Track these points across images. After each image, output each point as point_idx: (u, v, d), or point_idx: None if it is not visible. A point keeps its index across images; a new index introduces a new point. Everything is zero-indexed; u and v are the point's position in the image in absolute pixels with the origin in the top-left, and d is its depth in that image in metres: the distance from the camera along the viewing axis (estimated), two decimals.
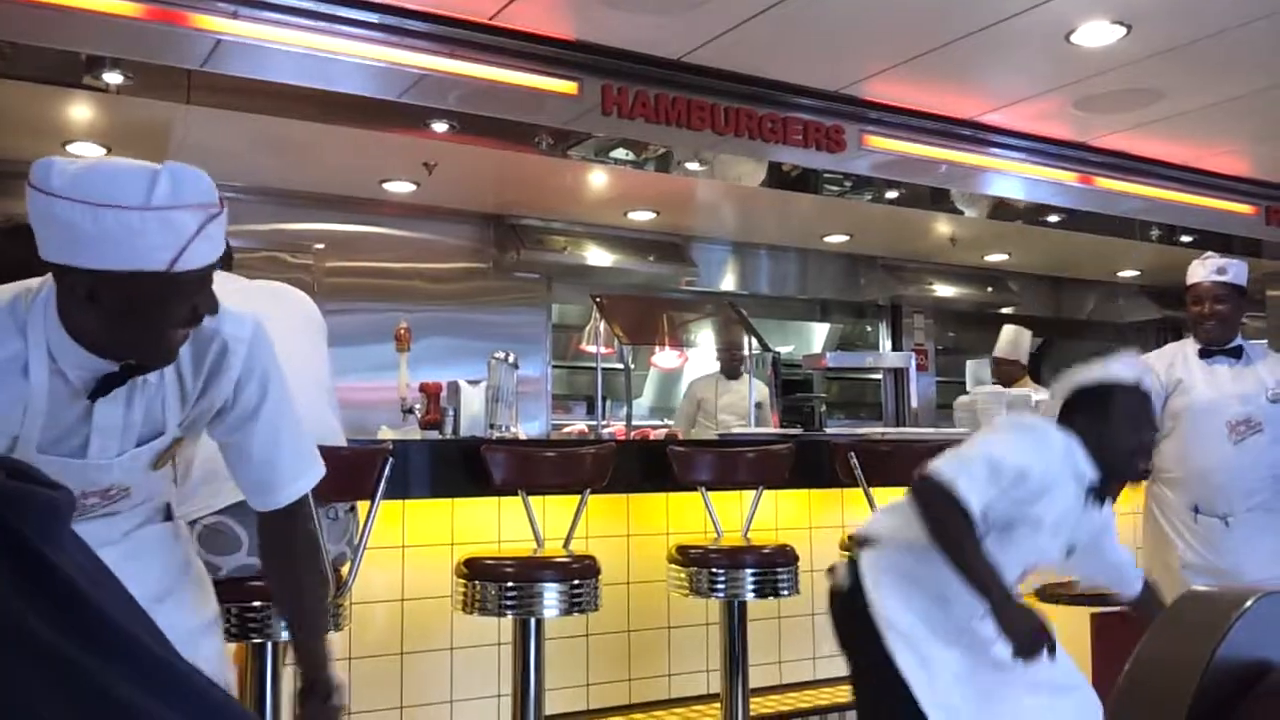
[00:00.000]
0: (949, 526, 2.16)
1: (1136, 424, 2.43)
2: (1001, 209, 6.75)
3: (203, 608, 1.82)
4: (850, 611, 2.29)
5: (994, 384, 5.89)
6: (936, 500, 2.17)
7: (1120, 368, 2.49)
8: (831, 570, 2.39)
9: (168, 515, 1.83)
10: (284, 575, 1.85)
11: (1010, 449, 2.28)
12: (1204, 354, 3.40)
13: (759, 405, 6.18)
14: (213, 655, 1.79)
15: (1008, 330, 6.04)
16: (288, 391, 1.76)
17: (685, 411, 6.30)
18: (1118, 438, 2.40)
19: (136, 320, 1.50)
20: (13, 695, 0.38)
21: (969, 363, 6.75)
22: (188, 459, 1.82)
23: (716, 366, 6.35)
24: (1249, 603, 0.71)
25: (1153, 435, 2.53)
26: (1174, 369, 3.39)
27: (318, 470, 1.82)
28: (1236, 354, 3.39)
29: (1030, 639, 2.13)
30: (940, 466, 2.20)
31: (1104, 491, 2.42)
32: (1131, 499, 4.64)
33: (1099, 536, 2.54)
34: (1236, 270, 3.43)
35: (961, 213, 6.67)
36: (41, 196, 1.46)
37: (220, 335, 1.65)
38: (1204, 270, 3.44)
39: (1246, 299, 3.49)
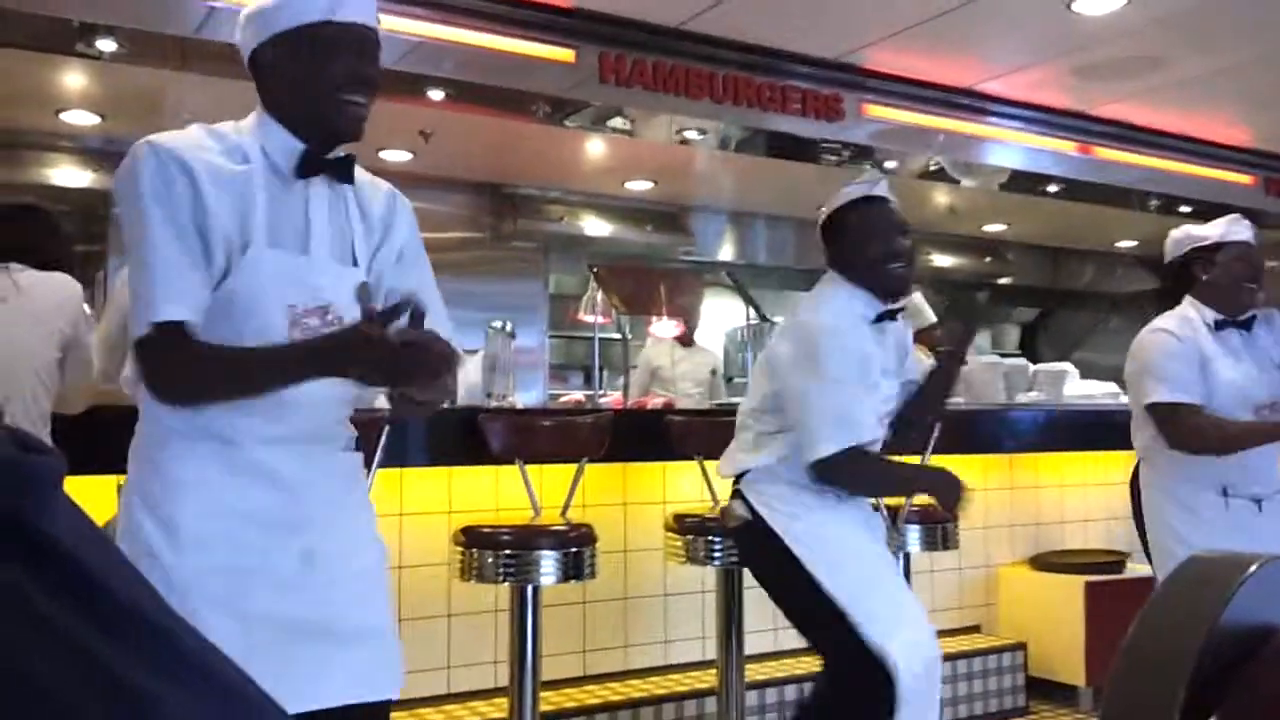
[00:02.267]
0: (866, 482, 2.55)
1: (872, 233, 2.55)
2: (1010, 180, 6.72)
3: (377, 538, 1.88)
4: (756, 539, 2.52)
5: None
6: (846, 472, 2.46)
7: (845, 190, 2.63)
8: (724, 512, 2.64)
9: (356, 445, 1.88)
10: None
11: (839, 376, 2.44)
12: (1218, 325, 3.04)
13: (713, 373, 6.19)
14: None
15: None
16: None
17: (639, 381, 6.18)
18: (862, 254, 2.54)
19: (312, 78, 1.72)
20: (17, 668, 0.37)
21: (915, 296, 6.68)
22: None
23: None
24: (1253, 567, 0.71)
25: (898, 240, 2.56)
26: (1198, 340, 3.01)
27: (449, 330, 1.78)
28: (1248, 325, 3.06)
29: (954, 492, 2.51)
30: (829, 444, 2.42)
31: (890, 314, 2.59)
32: (1123, 465, 4.66)
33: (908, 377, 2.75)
34: None
35: (957, 182, 6.65)
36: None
37: (389, 187, 1.89)
38: (1246, 230, 3.08)
39: None
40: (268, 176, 1.72)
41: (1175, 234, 3.20)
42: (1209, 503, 2.93)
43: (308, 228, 1.73)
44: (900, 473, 2.70)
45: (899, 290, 2.61)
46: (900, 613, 2.44)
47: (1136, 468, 3.25)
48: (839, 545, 2.47)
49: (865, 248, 2.54)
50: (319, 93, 1.73)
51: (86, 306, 2.99)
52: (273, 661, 1.54)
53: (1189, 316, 3.04)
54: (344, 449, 1.85)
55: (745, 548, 2.70)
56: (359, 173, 1.83)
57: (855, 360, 2.46)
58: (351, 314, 1.66)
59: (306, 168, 1.74)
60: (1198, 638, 0.68)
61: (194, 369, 1.64)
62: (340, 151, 1.80)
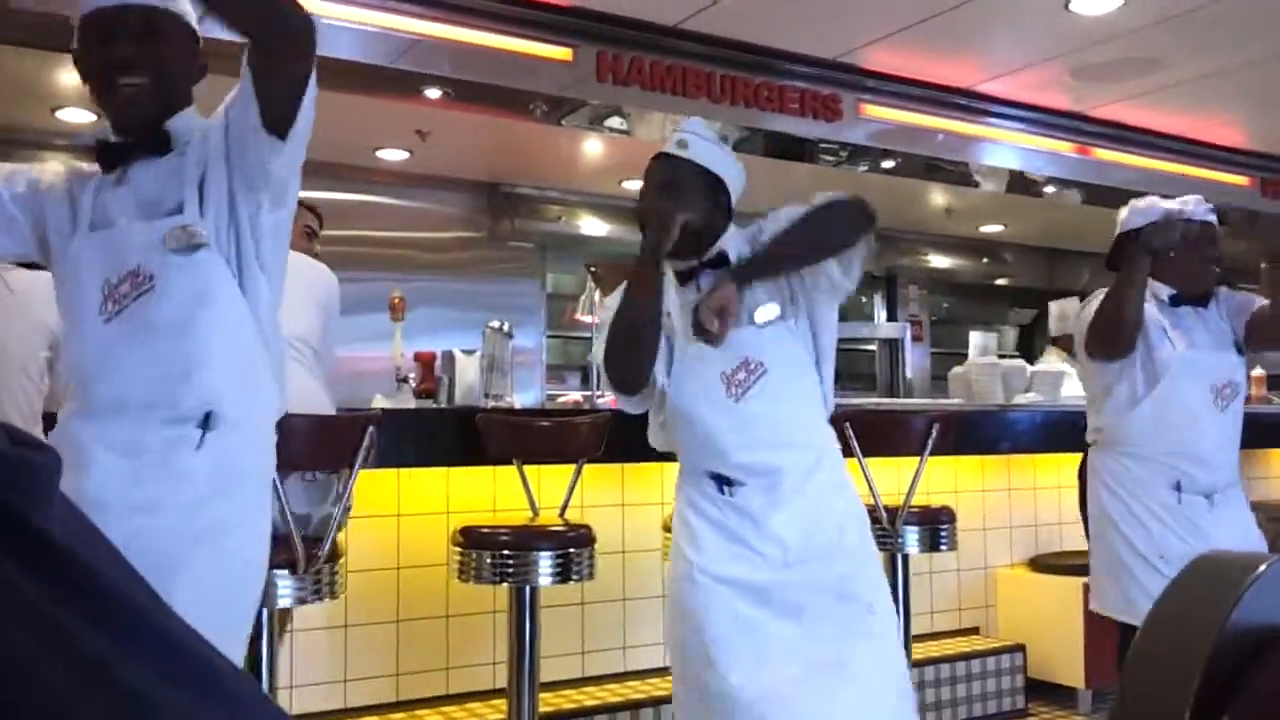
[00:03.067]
0: None
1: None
2: (1007, 181, 6.72)
3: (206, 539, 1.74)
4: None
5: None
6: None
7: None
8: None
9: (205, 424, 1.72)
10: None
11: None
12: (1173, 301, 2.97)
13: None
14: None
15: (1053, 307, 6.10)
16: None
17: None
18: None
19: (86, 75, 1.86)
20: (13, 666, 0.37)
21: (973, 334, 6.72)
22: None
23: None
24: (1263, 567, 0.70)
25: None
26: (1152, 312, 2.92)
27: None
28: (1204, 302, 2.99)
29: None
30: None
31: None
32: (1067, 467, 4.66)
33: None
34: None
35: (976, 184, 6.64)
36: None
37: (196, 120, 1.94)
38: (1202, 208, 3.03)
39: None
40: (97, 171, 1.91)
41: (1139, 203, 3.14)
42: (1160, 500, 2.86)
43: (117, 206, 1.85)
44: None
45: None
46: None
47: (1084, 457, 3.19)
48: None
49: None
50: (95, 89, 1.88)
51: None
52: None
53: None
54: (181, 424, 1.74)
55: None
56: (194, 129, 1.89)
57: None
58: (166, 278, 1.76)
59: (109, 155, 1.89)
60: (1208, 639, 0.67)
61: None
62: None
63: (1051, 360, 5.81)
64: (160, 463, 1.70)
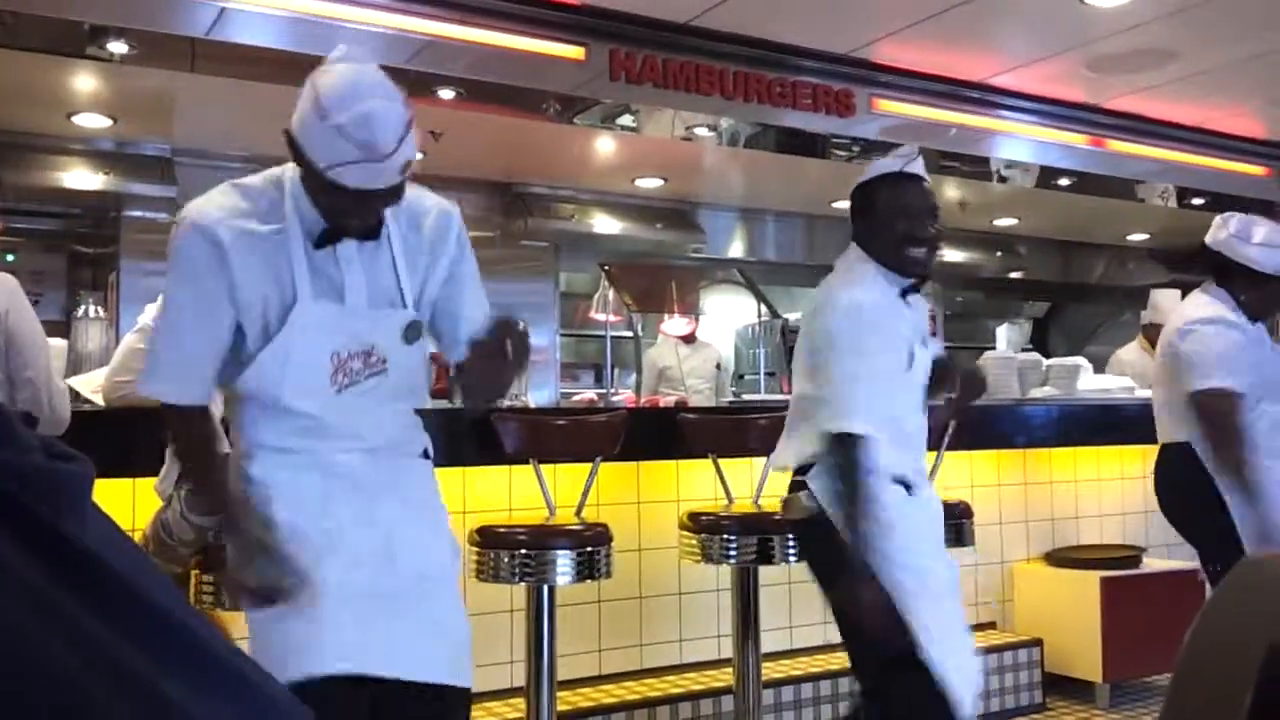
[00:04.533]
0: (850, 482, 2.34)
1: (897, 210, 2.48)
2: (1030, 175, 6.70)
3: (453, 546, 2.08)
4: (818, 534, 2.42)
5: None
6: (854, 458, 2.34)
7: (879, 163, 2.54)
8: (786, 504, 2.52)
9: (426, 454, 2.08)
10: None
11: (859, 359, 2.38)
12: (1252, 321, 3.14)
13: (718, 367, 6.21)
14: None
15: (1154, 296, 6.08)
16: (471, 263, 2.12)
17: (647, 383, 6.20)
18: (884, 229, 2.48)
19: (324, 206, 1.88)
20: (48, 672, 0.37)
21: (1000, 328, 6.68)
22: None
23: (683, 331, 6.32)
24: None
25: (923, 222, 2.49)
26: (1243, 327, 3.09)
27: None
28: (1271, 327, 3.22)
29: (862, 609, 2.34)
30: (857, 420, 2.35)
31: (914, 287, 2.54)
32: (1137, 459, 4.64)
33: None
34: None
35: (993, 178, 6.62)
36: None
37: (435, 206, 2.04)
38: None
39: None
40: (303, 236, 1.90)
41: (1228, 229, 3.17)
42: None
43: (342, 281, 1.91)
44: (862, 523, 2.35)
45: (917, 275, 2.54)
46: (952, 640, 2.37)
47: (1163, 459, 3.22)
48: (901, 552, 2.35)
49: (889, 226, 2.48)
50: (334, 211, 1.88)
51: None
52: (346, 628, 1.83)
53: (1220, 304, 3.10)
54: (414, 456, 2.07)
55: (806, 542, 2.61)
56: (409, 197, 1.94)
57: (892, 340, 2.43)
58: (397, 353, 1.95)
59: (324, 240, 1.91)
60: (1260, 646, 0.66)
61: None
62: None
63: (1133, 350, 5.75)
64: (415, 487, 2.04)
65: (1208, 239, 3.21)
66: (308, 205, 1.90)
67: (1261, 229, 3.13)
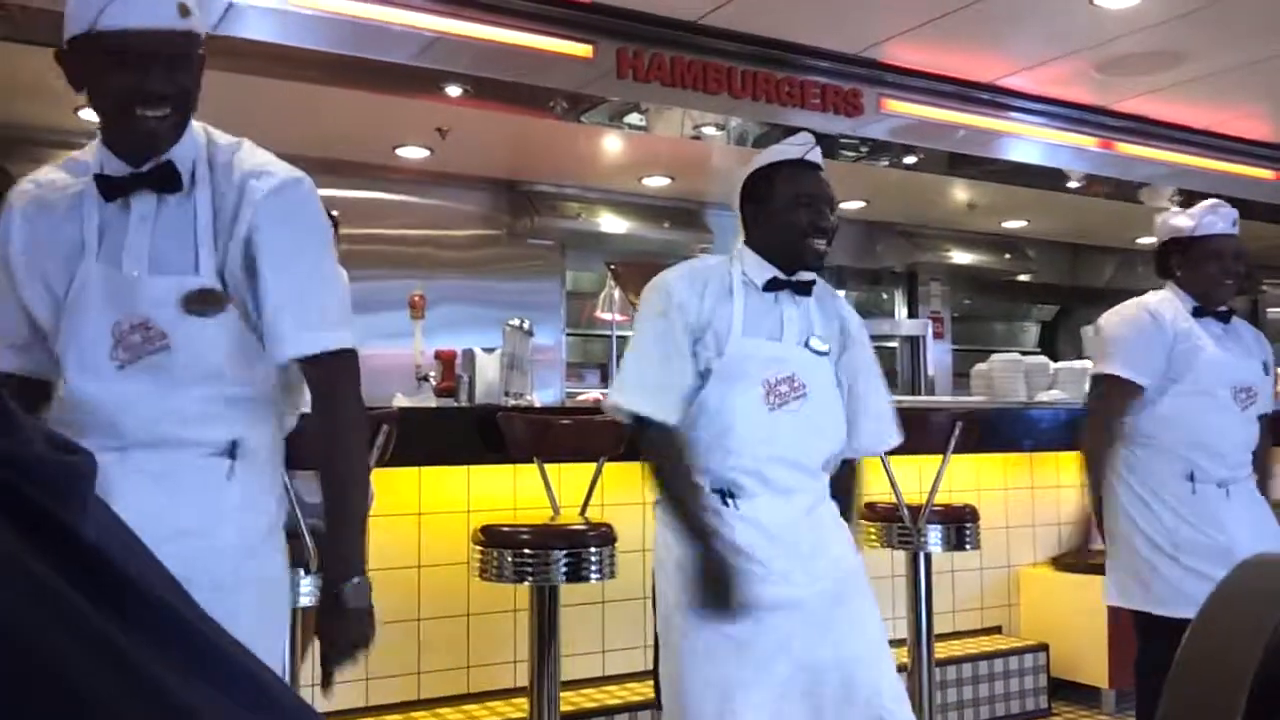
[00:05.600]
0: (650, 469, 2.22)
1: (800, 198, 2.27)
2: (1030, 176, 6.67)
3: (236, 560, 1.72)
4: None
5: None
6: (642, 442, 2.20)
7: (781, 147, 2.36)
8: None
9: (231, 453, 1.72)
10: (318, 458, 1.81)
11: (644, 338, 2.22)
12: (1196, 313, 3.01)
13: None
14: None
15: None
16: (313, 251, 1.77)
17: None
18: (783, 217, 2.27)
19: (95, 95, 1.67)
20: (52, 671, 0.36)
21: (1085, 329, 6.48)
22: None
23: None
24: None
25: (824, 211, 2.29)
26: (1178, 320, 2.97)
27: (329, 338, 1.74)
28: (1225, 317, 3.05)
29: (713, 588, 2.08)
30: (613, 400, 2.20)
31: (793, 284, 2.30)
32: (1070, 469, 4.61)
33: (854, 373, 2.38)
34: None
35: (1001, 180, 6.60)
36: None
37: (240, 174, 1.73)
38: (1224, 221, 3.07)
39: None
40: (98, 196, 1.72)
41: (1157, 220, 3.18)
42: (1174, 491, 2.93)
43: (123, 244, 1.71)
44: (684, 503, 2.17)
45: (815, 266, 2.33)
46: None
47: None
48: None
49: (788, 214, 2.26)
50: (105, 109, 1.70)
51: None
52: None
53: (1168, 298, 3.05)
54: (209, 455, 1.73)
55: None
56: (240, 155, 1.76)
57: (660, 321, 2.20)
58: (184, 338, 1.68)
59: (111, 188, 1.71)
60: (1260, 644, 0.65)
61: None
62: (167, 158, 1.72)
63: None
64: (199, 489, 1.71)
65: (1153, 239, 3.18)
66: (101, 156, 1.73)
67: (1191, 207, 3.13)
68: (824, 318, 2.35)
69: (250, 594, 1.68)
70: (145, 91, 1.64)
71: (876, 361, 2.47)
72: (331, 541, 1.77)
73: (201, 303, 1.68)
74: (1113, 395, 2.99)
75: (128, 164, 1.72)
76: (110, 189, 1.70)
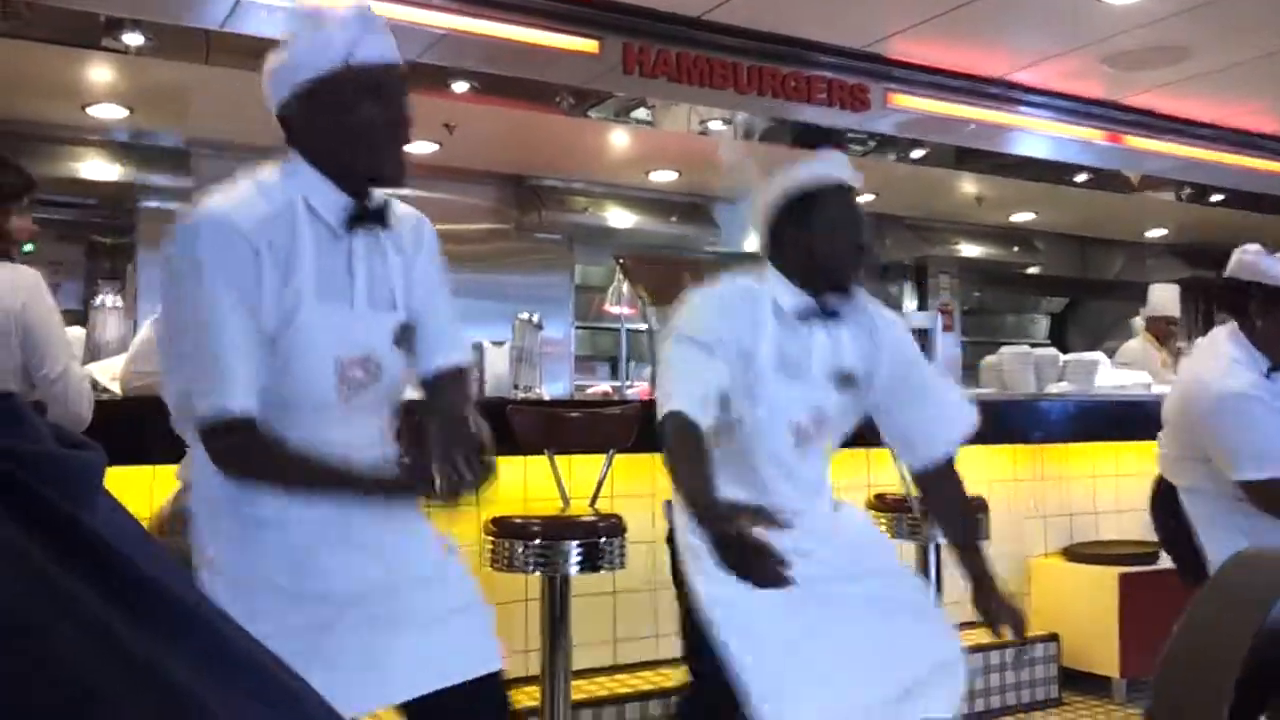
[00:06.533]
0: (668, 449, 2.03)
1: (845, 225, 2.18)
2: (1038, 170, 6.67)
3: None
4: (673, 549, 2.25)
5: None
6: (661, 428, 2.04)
7: (819, 168, 2.22)
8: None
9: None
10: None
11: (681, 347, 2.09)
12: (1269, 372, 2.85)
13: None
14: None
15: (1155, 290, 6.11)
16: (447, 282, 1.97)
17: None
18: (828, 243, 2.16)
19: (342, 129, 1.72)
20: (60, 667, 0.36)
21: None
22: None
23: None
24: None
25: (866, 234, 2.21)
26: (1267, 393, 2.80)
27: (464, 355, 1.99)
28: None
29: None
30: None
31: (827, 305, 2.19)
32: (1100, 457, 4.61)
33: (905, 370, 2.29)
34: None
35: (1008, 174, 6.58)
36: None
37: (413, 216, 1.92)
38: None
39: None
40: (315, 231, 1.75)
41: (1246, 258, 2.94)
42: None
43: (352, 280, 1.77)
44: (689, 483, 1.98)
45: (847, 289, 2.22)
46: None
47: (1158, 491, 3.15)
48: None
49: (835, 240, 2.18)
50: (352, 143, 1.74)
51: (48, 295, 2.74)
52: (352, 654, 1.70)
53: (1241, 360, 2.83)
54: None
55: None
56: (391, 207, 1.86)
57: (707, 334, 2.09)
58: (390, 358, 1.82)
59: (354, 221, 1.78)
60: (1246, 637, 0.66)
61: (262, 466, 1.72)
62: (380, 196, 1.83)
63: (1136, 344, 5.77)
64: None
65: (1227, 271, 2.97)
66: (323, 195, 1.74)
67: None
68: (854, 336, 2.25)
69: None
70: (397, 121, 1.74)
71: (919, 352, 2.38)
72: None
73: (404, 336, 1.85)
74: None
75: (349, 195, 1.77)
76: (352, 223, 1.77)
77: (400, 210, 1.89)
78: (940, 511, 2.40)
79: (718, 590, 2.03)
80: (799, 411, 2.16)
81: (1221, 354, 2.88)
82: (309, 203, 1.74)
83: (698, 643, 2.13)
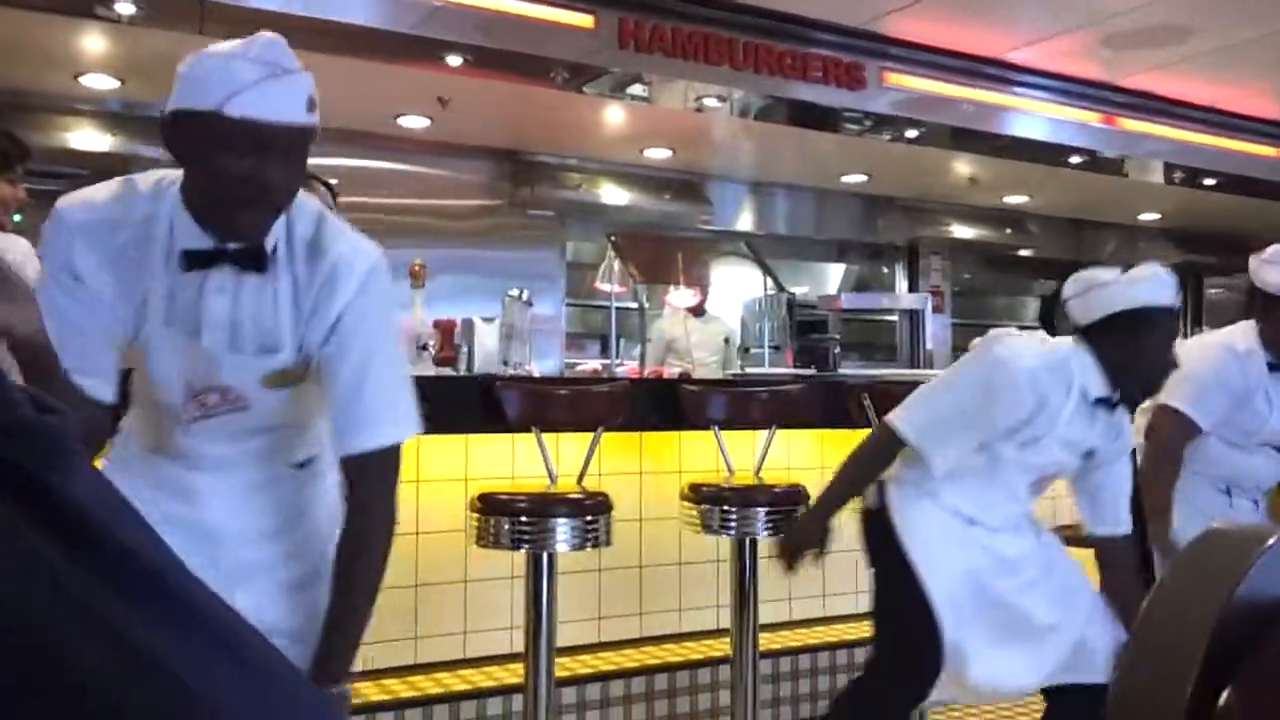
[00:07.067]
0: (860, 461, 2.53)
1: (1167, 345, 2.48)
2: (1032, 151, 6.66)
3: (315, 555, 1.82)
4: (878, 526, 2.51)
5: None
6: (874, 440, 2.54)
7: (1158, 290, 2.47)
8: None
9: (303, 465, 1.86)
10: (340, 543, 1.78)
11: (969, 398, 2.44)
12: (1272, 367, 2.96)
13: (726, 341, 6.22)
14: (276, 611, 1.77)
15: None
16: (391, 343, 1.80)
17: (655, 354, 6.20)
18: (1149, 359, 2.46)
19: (203, 168, 1.60)
20: (39, 633, 0.37)
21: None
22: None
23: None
24: (1271, 541, 0.70)
25: (1174, 354, 2.49)
26: (1249, 375, 2.93)
27: (400, 431, 1.76)
28: None
29: (788, 545, 2.58)
30: (902, 418, 2.46)
31: (1121, 401, 2.50)
32: None
33: (1115, 457, 2.58)
34: None
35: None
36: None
37: (333, 256, 1.70)
38: None
39: None
40: (169, 255, 1.64)
41: (1251, 263, 3.04)
42: (1210, 500, 2.99)
43: (200, 317, 1.66)
44: (835, 488, 2.57)
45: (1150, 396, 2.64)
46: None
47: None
48: (947, 571, 2.45)
49: (1156, 357, 2.46)
50: (207, 190, 1.62)
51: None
52: None
53: (1254, 349, 2.95)
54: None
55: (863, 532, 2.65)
56: (321, 232, 1.72)
57: (1011, 401, 2.40)
58: (262, 401, 1.73)
59: (194, 261, 1.65)
60: (1212, 612, 0.67)
61: None
62: (278, 233, 1.69)
63: None
64: (269, 496, 1.83)
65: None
66: (182, 224, 1.64)
67: None
68: (1109, 429, 2.53)
69: None
70: (260, 183, 1.57)
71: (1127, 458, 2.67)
72: (330, 644, 1.72)
73: (282, 380, 1.72)
74: (1176, 428, 2.93)
75: (210, 236, 1.65)
76: (192, 263, 1.64)
77: (330, 252, 1.70)
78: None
79: (936, 560, 2.43)
80: (1050, 469, 2.54)
81: (1235, 331, 3.02)
82: (173, 225, 1.64)
83: (893, 609, 2.52)
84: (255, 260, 1.66)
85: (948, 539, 2.47)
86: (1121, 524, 2.63)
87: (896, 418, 2.47)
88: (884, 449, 2.50)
